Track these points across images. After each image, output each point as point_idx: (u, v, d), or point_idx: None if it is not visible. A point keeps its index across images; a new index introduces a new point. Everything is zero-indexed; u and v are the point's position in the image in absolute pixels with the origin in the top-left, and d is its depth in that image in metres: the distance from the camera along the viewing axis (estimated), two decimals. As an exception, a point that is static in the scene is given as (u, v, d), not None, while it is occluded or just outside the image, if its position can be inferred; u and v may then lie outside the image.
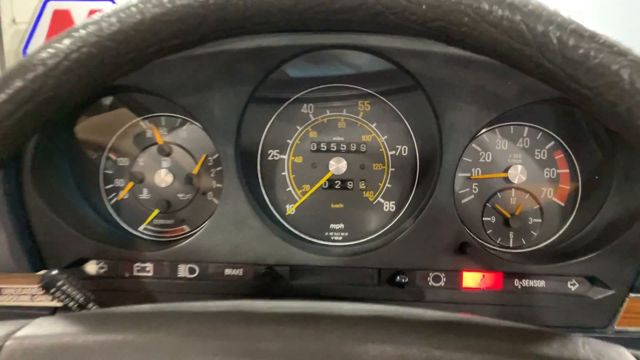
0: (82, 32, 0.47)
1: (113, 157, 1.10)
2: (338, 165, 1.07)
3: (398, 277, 0.99)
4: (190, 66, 0.90)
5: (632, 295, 0.97)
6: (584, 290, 1.02)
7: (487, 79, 0.89)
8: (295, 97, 1.07)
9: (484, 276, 1.02)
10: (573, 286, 1.02)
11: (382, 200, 1.09)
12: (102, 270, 1.04)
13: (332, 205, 1.10)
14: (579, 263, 0.97)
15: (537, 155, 1.08)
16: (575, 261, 0.98)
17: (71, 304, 0.87)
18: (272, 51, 0.89)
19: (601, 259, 0.96)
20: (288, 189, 1.10)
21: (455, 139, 0.94)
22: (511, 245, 1.09)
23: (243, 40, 0.88)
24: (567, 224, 1.08)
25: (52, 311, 0.98)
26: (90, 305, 0.88)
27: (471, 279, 1.02)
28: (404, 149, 1.08)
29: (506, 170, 1.06)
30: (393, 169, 1.09)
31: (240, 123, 0.95)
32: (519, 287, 1.02)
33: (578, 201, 1.07)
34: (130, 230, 1.11)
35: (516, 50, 0.47)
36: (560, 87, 0.49)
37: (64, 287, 0.86)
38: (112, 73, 0.55)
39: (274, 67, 0.91)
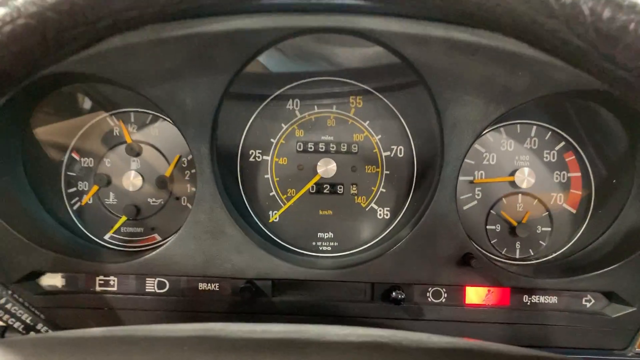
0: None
1: (76, 157, 0.99)
2: (327, 168, 0.96)
3: (394, 293, 0.88)
4: (157, 52, 0.79)
5: (655, 313, 0.86)
6: (601, 307, 0.91)
7: (495, 69, 0.79)
8: (279, 92, 0.97)
9: (489, 291, 0.91)
10: (588, 302, 0.92)
11: (375, 207, 0.99)
12: (59, 285, 0.93)
13: (321, 212, 0.99)
14: (595, 277, 0.87)
15: (546, 157, 0.98)
16: (590, 275, 0.87)
17: (17, 324, 0.75)
18: (252, 35, 0.78)
19: (620, 272, 0.86)
20: (271, 194, 0.99)
21: (459, 138, 0.84)
22: (518, 256, 0.99)
23: (218, 22, 0.78)
24: (580, 233, 0.98)
25: (1, 332, 0.86)
26: (39, 326, 0.77)
27: (475, 295, 0.91)
28: (400, 149, 0.98)
29: (512, 174, 0.96)
30: (388, 172, 0.98)
31: (215, 117, 0.84)
32: (528, 303, 0.92)
33: (591, 208, 0.97)
34: (95, 239, 0.99)
35: (539, 24, 0.38)
36: (592, 69, 0.40)
37: (8, 306, 0.74)
38: (55, 52, 0.45)
39: (254, 53, 0.80)
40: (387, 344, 0.51)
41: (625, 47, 0.37)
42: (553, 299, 0.92)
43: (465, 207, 0.99)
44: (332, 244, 0.99)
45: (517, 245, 0.98)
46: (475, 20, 0.41)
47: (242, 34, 0.78)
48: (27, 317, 0.75)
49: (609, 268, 0.86)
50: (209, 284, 0.92)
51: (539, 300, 0.91)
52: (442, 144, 0.85)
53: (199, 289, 0.92)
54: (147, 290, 0.93)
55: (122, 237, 1.00)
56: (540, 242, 0.98)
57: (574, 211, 0.99)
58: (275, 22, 0.78)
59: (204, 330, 0.53)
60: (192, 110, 0.83)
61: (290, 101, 0.98)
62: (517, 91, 0.79)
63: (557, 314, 0.91)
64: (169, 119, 0.94)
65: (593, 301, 0.92)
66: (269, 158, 0.98)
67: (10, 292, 0.73)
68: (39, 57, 0.45)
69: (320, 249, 0.99)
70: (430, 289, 0.91)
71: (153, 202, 0.99)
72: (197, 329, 0.54)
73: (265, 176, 0.98)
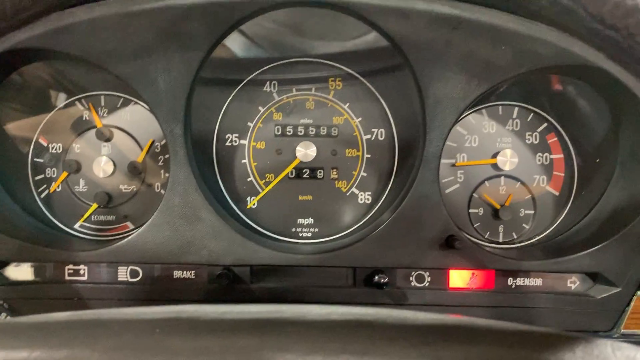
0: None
1: (44, 143, 0.94)
2: (306, 151, 0.93)
3: (376, 277, 0.85)
4: (127, 26, 0.75)
5: (640, 293, 0.85)
6: (586, 289, 0.90)
7: (478, 44, 0.77)
8: (255, 74, 0.94)
9: (473, 274, 0.89)
10: (573, 284, 0.91)
11: (356, 191, 0.96)
12: (25, 275, 0.88)
13: (300, 197, 0.96)
14: (579, 258, 0.86)
15: (529, 139, 0.96)
16: (574, 256, 0.86)
17: (-23, 314, 0.71)
18: (228, 7, 0.75)
19: (605, 252, 0.85)
20: (249, 179, 0.95)
21: (441, 116, 0.82)
22: (501, 239, 0.97)
23: (190, -6, 0.74)
24: (563, 215, 0.97)
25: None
26: (2, 316, 0.72)
27: (459, 278, 0.89)
28: (381, 132, 0.95)
29: (494, 156, 0.95)
30: (369, 155, 0.96)
31: (189, 96, 0.81)
32: (513, 286, 0.90)
33: (574, 189, 0.96)
34: (64, 227, 0.95)
35: None
36: (579, 29, 0.39)
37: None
38: (12, 16, 0.43)
39: (230, 27, 0.77)
40: (371, 322, 0.48)
41: (614, 5, 0.36)
42: (537, 281, 0.90)
43: (447, 191, 0.97)
44: (312, 230, 0.97)
45: (501, 228, 0.97)
46: None
47: (217, 6, 0.75)
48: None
49: (593, 249, 0.85)
50: (185, 272, 0.89)
51: (523, 282, 0.90)
52: (424, 123, 0.83)
53: (174, 277, 0.89)
54: (119, 279, 0.89)
55: (93, 226, 0.96)
56: (524, 225, 0.97)
57: (557, 193, 0.98)
58: None
59: (176, 312, 0.50)
60: (164, 89, 0.79)
61: (268, 84, 0.95)
62: (500, 67, 0.78)
63: (541, 296, 0.89)
64: (140, 101, 0.90)
65: (578, 283, 0.91)
66: (246, 142, 0.95)
67: None
68: None
69: (300, 235, 0.96)
70: (413, 272, 0.89)
71: (125, 189, 0.95)
72: (169, 311, 0.50)
73: (243, 161, 0.95)
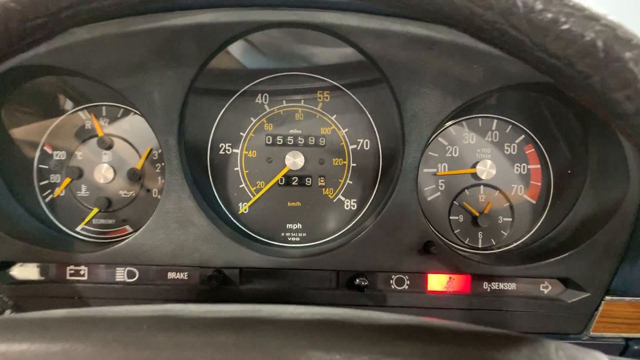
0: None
1: (49, 150, 1.01)
2: (295, 160, 0.99)
3: (357, 280, 0.90)
4: (125, 44, 0.81)
5: (608, 298, 0.90)
6: (558, 294, 0.95)
7: (451, 63, 0.82)
8: (248, 86, 0.99)
9: (450, 278, 0.94)
10: (546, 289, 0.95)
11: (342, 198, 1.01)
12: (30, 275, 0.94)
13: (289, 204, 1.02)
14: (551, 264, 0.90)
15: (507, 150, 1.01)
16: (547, 262, 0.91)
17: (-17, 310, 0.77)
18: (216, 28, 0.81)
19: (575, 259, 0.89)
20: (241, 186, 1.01)
21: (418, 129, 0.87)
22: (480, 245, 1.02)
23: (183, 16, 0.80)
24: (539, 222, 1.01)
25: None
26: (7, 312, 0.78)
27: (437, 282, 0.94)
28: (366, 142, 1.00)
29: (474, 166, 0.99)
30: (354, 165, 1.01)
31: (182, 110, 0.87)
32: (488, 290, 0.95)
33: (550, 198, 1.01)
34: (67, 230, 1.01)
35: (478, 16, 0.42)
36: (527, 57, 0.44)
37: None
38: (18, 42, 0.47)
39: (218, 47, 0.82)
40: (338, 321, 0.53)
41: (556, 37, 0.40)
42: (512, 286, 0.95)
43: (429, 199, 1.02)
44: (300, 234, 1.02)
45: (480, 235, 1.02)
46: (418, 12, 0.44)
47: (206, 27, 0.81)
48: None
49: (564, 255, 0.90)
50: (178, 273, 0.94)
51: (498, 287, 0.95)
52: (403, 135, 0.88)
53: (168, 277, 0.94)
54: (117, 279, 0.94)
55: (93, 229, 1.02)
56: (502, 231, 1.02)
57: (534, 202, 1.02)
58: (239, 16, 0.81)
59: (164, 310, 0.55)
60: (159, 103, 0.85)
61: (260, 96, 1.00)
62: (473, 84, 0.83)
63: (516, 300, 0.94)
64: (138, 112, 0.96)
65: (550, 287, 0.95)
66: (238, 151, 1.01)
67: None
68: (3, 47, 0.47)
69: (289, 239, 1.01)
70: (393, 276, 0.94)
71: (124, 194, 1.01)
72: (157, 309, 0.56)
73: (235, 169, 1.01)
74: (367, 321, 0.54)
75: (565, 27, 0.38)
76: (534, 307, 0.94)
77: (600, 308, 0.90)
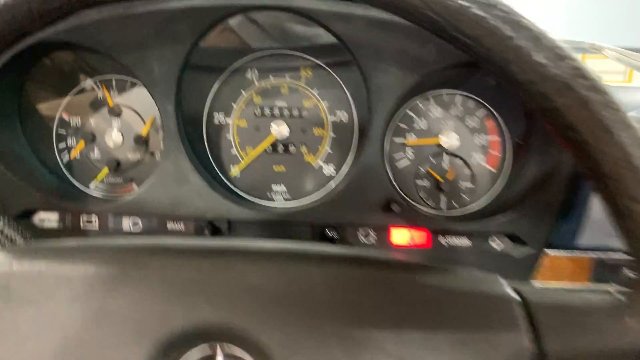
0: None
1: (66, 117, 1.15)
2: (280, 129, 1.12)
3: (327, 231, 1.04)
4: (129, 24, 0.95)
5: (548, 251, 1.02)
6: (507, 249, 1.07)
7: (409, 43, 0.94)
8: (239, 64, 1.13)
9: (412, 234, 1.07)
10: (498, 245, 1.07)
11: (322, 164, 1.14)
12: (49, 223, 1.10)
13: (275, 168, 1.15)
14: (500, 221, 1.03)
15: (469, 123, 1.13)
16: (496, 219, 1.03)
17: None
18: (202, 12, 0.94)
19: (520, 216, 1.02)
20: (233, 152, 1.15)
21: (383, 101, 1.00)
22: (443, 208, 1.14)
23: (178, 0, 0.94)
24: (494, 187, 1.13)
25: None
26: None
27: (399, 236, 1.07)
28: (344, 115, 1.13)
29: (439, 136, 1.11)
30: (333, 135, 1.14)
31: (179, 82, 1.00)
32: (446, 245, 1.07)
33: (506, 166, 1.12)
34: (80, 186, 1.16)
35: (405, 2, 0.52)
36: (448, 38, 0.54)
37: (5, 230, 0.91)
38: (39, 20, 0.60)
39: (207, 27, 0.96)
40: (293, 251, 0.67)
41: (467, 18, 0.52)
42: (467, 242, 1.07)
43: (399, 166, 1.14)
44: (284, 194, 1.16)
45: (443, 198, 1.14)
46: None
47: (195, 11, 0.94)
48: (19, 241, 0.92)
49: (511, 212, 1.02)
50: (176, 223, 1.09)
51: (455, 242, 1.07)
52: (370, 107, 1.01)
53: (168, 227, 1.09)
54: (123, 228, 1.09)
55: (103, 187, 1.17)
56: (463, 195, 1.14)
57: (494, 170, 1.14)
58: (221, 1, 0.94)
59: (156, 241, 0.69)
60: (158, 75, 0.99)
61: (249, 71, 1.14)
62: (427, 61, 0.95)
63: (471, 254, 1.07)
64: (142, 84, 1.11)
65: (500, 244, 1.07)
66: (230, 121, 1.15)
67: (7, 219, 0.90)
68: (26, 24, 0.61)
69: (274, 198, 1.15)
70: (360, 230, 1.07)
71: (131, 156, 1.16)
72: (151, 240, 0.69)
73: (228, 136, 1.15)
74: (318, 253, 0.67)
75: (471, 11, 0.48)
76: (487, 261, 1.06)
77: (541, 261, 1.02)
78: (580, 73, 0.47)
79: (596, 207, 0.98)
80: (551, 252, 1.02)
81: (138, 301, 0.57)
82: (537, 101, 0.49)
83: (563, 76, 0.47)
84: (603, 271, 1.01)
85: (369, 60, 0.97)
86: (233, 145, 1.15)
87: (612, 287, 0.58)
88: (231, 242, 0.69)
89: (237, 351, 0.56)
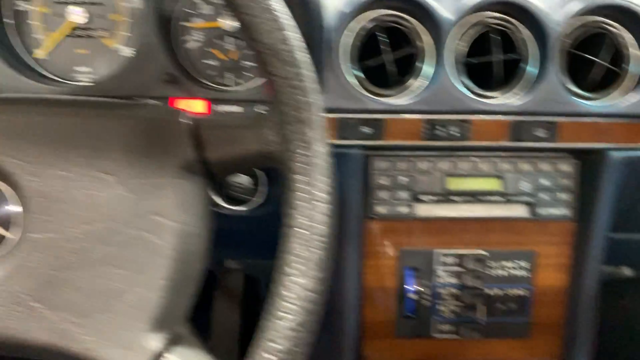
0: None
1: None
2: (80, 16, 1.25)
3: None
4: None
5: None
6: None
7: None
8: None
9: (194, 103, 1.26)
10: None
11: (120, 46, 1.30)
12: None
13: (78, 51, 1.30)
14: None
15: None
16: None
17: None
18: None
19: None
20: (34, 36, 1.28)
21: None
22: (231, 84, 1.34)
23: None
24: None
25: None
26: None
27: (185, 105, 1.26)
28: (139, 1, 1.27)
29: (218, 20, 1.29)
30: (132, 20, 1.28)
31: None
32: (223, 112, 1.28)
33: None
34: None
35: None
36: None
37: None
38: None
39: None
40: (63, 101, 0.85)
41: None
42: (239, 108, 1.28)
43: (189, 47, 1.31)
44: (90, 76, 1.31)
45: (229, 75, 1.33)
46: None
47: None
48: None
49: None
50: None
51: (230, 109, 1.28)
52: None
53: None
54: None
55: None
56: (246, 73, 1.34)
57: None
58: None
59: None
60: None
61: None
62: None
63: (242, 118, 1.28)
64: None
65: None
66: (32, 7, 1.26)
67: None
68: None
69: (78, 79, 1.31)
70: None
71: None
72: None
73: (29, 22, 1.27)
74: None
75: None
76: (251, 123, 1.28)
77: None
78: None
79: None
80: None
81: None
82: None
83: None
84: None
85: None
86: (35, 30, 1.27)
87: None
88: None
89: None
